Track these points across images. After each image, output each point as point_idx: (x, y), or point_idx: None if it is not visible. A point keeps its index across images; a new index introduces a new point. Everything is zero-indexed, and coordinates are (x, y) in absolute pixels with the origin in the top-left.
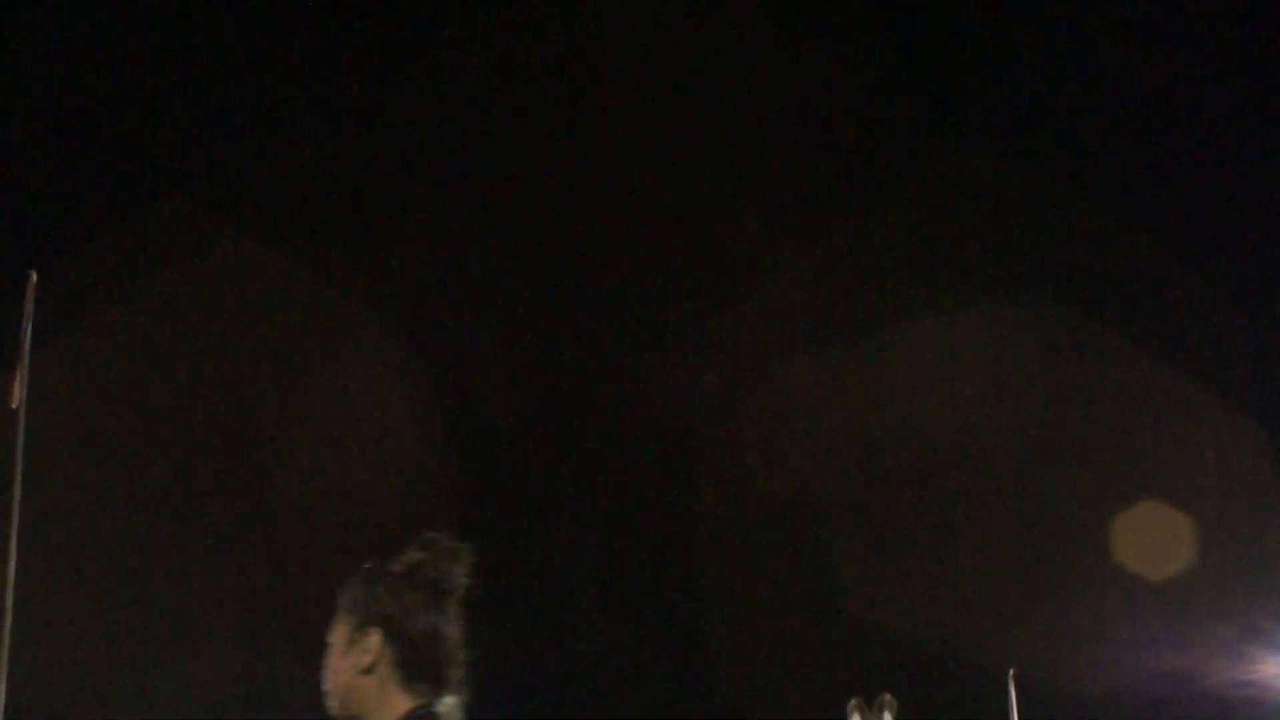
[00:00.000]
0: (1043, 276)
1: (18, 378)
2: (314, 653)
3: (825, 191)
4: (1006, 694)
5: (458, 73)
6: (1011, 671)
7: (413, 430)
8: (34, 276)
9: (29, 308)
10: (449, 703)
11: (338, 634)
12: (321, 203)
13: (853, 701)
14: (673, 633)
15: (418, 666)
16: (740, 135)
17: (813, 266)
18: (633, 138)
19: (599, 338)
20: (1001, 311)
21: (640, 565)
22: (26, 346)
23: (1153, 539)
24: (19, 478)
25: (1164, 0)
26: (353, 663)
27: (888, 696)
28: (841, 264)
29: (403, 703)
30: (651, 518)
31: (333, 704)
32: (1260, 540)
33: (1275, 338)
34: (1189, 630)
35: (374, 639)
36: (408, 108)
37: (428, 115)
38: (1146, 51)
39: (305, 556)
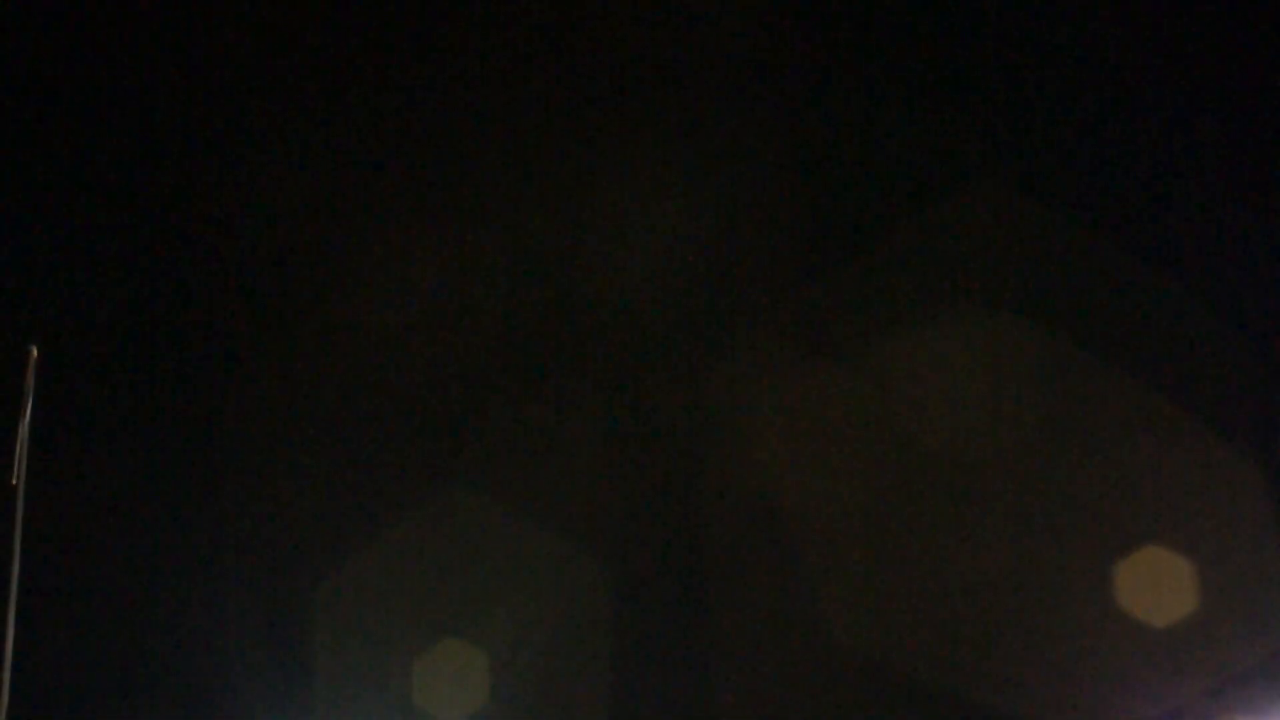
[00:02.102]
0: (1050, 312)
1: (17, 453)
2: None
3: (831, 209)
4: None
5: (448, 85)
6: None
7: (409, 454)
8: (35, 351)
9: (29, 383)
10: None
11: None
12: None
13: None
14: (670, 648)
15: None
16: (749, 152)
17: (816, 285)
18: (643, 149)
19: (604, 349)
20: (1006, 342)
21: (642, 582)
22: (26, 422)
23: (1154, 585)
24: (17, 551)
25: (1162, 28)
26: None
27: None
28: (845, 283)
29: None
30: (653, 530)
31: None
32: (1262, 589)
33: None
34: (1186, 681)
35: None
36: (396, 128)
37: (419, 126)
38: (1150, 76)
39: (300, 602)
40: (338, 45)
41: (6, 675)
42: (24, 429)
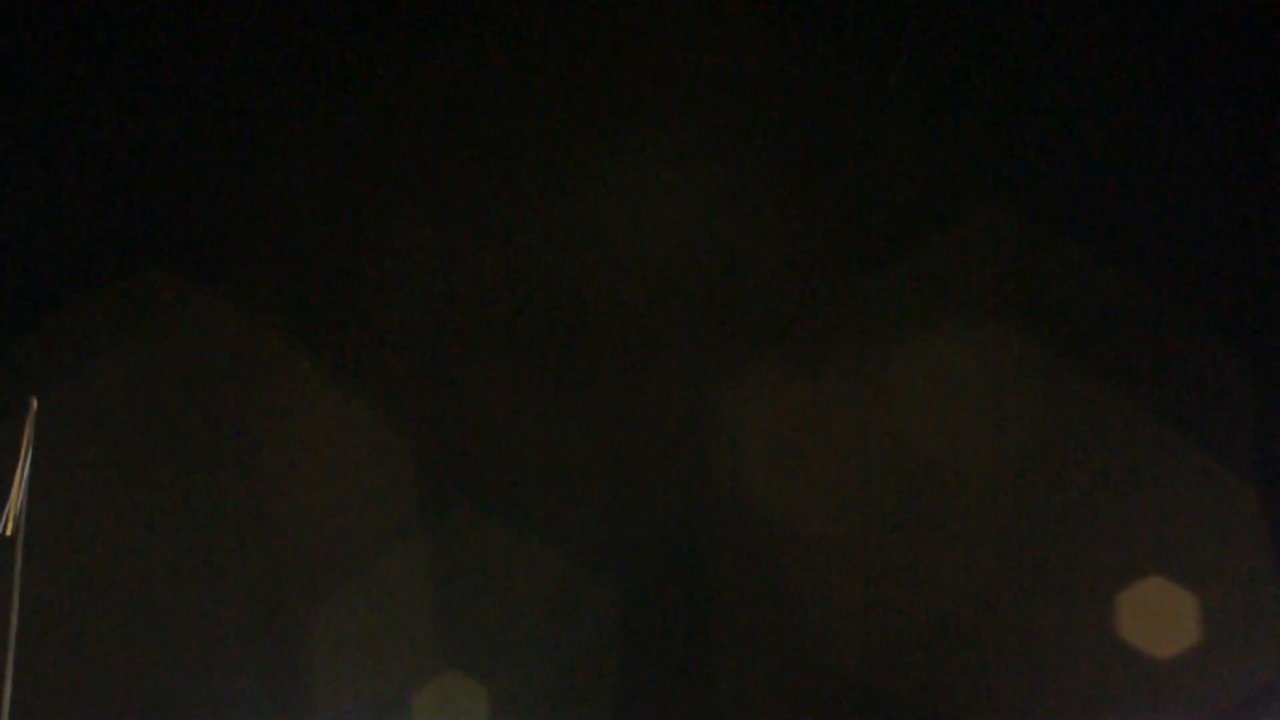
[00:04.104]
0: (1060, 334)
1: (15, 504)
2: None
3: (837, 222)
4: None
5: (441, 121)
6: None
7: (400, 469)
8: (34, 403)
9: (29, 434)
10: None
11: None
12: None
13: None
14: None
15: None
16: (749, 161)
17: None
18: (648, 159)
19: (608, 362)
20: (1013, 360)
21: (645, 602)
22: (25, 473)
23: (1152, 612)
24: (15, 604)
25: (1163, 41)
26: None
27: None
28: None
29: None
30: (651, 541)
31: None
32: (1260, 616)
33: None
34: (1182, 709)
35: None
36: (385, 165)
37: (409, 162)
38: (1152, 97)
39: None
40: (333, 41)
41: None
42: (22, 481)
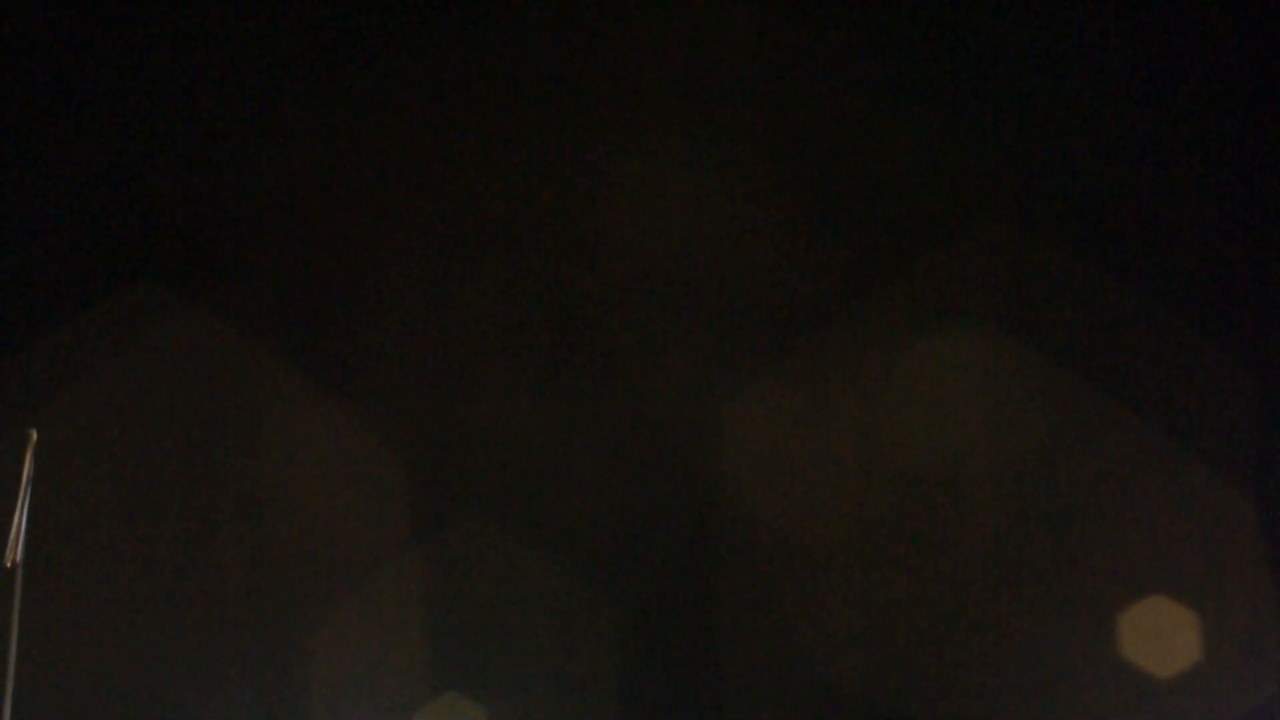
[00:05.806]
0: (1067, 346)
1: (18, 536)
2: None
3: (840, 228)
4: None
5: (434, 135)
6: None
7: (401, 484)
8: (34, 435)
9: (29, 465)
10: None
11: None
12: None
13: None
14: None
15: None
16: (752, 168)
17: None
18: (648, 162)
19: (604, 367)
20: (1017, 369)
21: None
22: (26, 504)
23: (1158, 635)
24: (15, 635)
25: (1170, 56)
26: None
27: None
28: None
29: None
30: (654, 552)
31: None
32: (1258, 633)
33: None
34: None
35: None
36: (379, 177)
37: (403, 174)
38: (1148, 97)
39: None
40: (328, 47)
41: None
42: (23, 511)
